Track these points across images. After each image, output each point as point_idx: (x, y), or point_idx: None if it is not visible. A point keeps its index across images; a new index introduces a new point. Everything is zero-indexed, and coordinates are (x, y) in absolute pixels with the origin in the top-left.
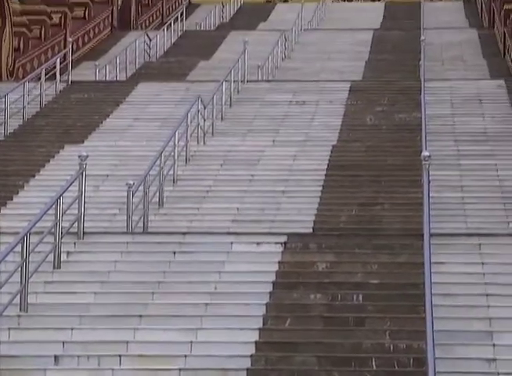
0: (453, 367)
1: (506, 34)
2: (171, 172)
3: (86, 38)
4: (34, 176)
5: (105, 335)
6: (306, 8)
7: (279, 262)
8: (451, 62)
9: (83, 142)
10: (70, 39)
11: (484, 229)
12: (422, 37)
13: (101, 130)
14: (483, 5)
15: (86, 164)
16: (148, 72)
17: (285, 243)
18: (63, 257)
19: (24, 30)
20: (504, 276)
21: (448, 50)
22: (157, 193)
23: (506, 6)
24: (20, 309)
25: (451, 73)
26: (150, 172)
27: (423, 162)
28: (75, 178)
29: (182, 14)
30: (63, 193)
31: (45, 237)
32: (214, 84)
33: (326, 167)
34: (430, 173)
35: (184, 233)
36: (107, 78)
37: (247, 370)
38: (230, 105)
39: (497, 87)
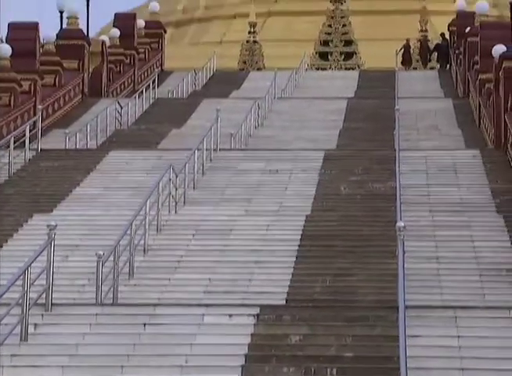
0: None
1: (481, 104)
2: (142, 242)
3: (56, 106)
4: (1, 246)
5: None
6: (280, 75)
7: (251, 335)
8: (426, 131)
9: (52, 211)
10: (39, 107)
11: (460, 301)
12: (397, 107)
13: (71, 199)
14: (458, 75)
15: (55, 234)
16: (119, 140)
17: (258, 315)
18: (31, 329)
19: None
20: (480, 350)
21: (423, 119)
22: (128, 264)
23: (481, 76)
24: None
25: (426, 142)
26: (121, 242)
27: (398, 233)
28: (43, 249)
29: (154, 81)
30: (31, 263)
31: (13, 309)
32: (187, 152)
33: (299, 237)
34: (406, 244)
35: (155, 305)
36: (78, 146)
37: None
38: (203, 173)
39: (472, 157)
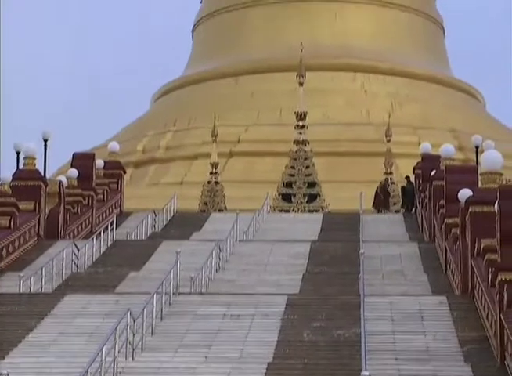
0: None
1: (448, 249)
2: None
3: (11, 248)
4: None
5: None
6: (242, 218)
7: None
8: (391, 276)
9: (4, 358)
10: None
11: None
12: (361, 251)
13: (23, 345)
14: (423, 219)
15: None
16: (75, 283)
17: None
18: None
19: None
20: None
21: (388, 264)
22: None
23: (447, 220)
24: None
25: (391, 288)
26: None
27: None
28: None
29: (112, 223)
30: None
31: None
32: (145, 296)
33: None
34: None
35: None
36: (32, 290)
37: None
38: (161, 318)
39: (439, 303)
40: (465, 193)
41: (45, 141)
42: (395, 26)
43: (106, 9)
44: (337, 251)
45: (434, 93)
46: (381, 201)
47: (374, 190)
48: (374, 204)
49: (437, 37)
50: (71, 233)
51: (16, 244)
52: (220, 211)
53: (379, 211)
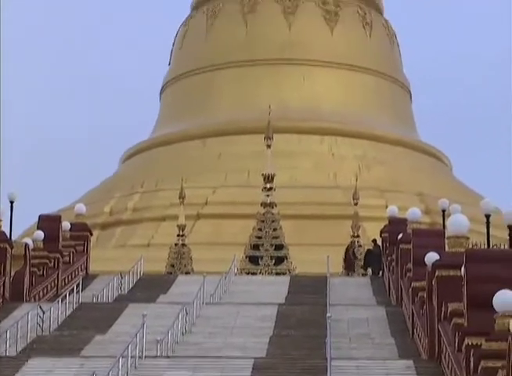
0: None
1: (415, 313)
2: None
3: None
4: None
5: None
6: (209, 280)
7: None
8: (358, 340)
9: None
10: None
11: None
12: (328, 314)
13: None
14: (391, 282)
15: None
16: (40, 346)
17: None
18: None
19: None
20: None
21: (355, 327)
22: None
23: (414, 284)
24: None
25: (358, 351)
26: None
27: None
28: None
29: (78, 285)
30: None
31: None
32: (111, 359)
33: None
34: None
35: None
36: None
37: None
38: None
39: (406, 368)
40: (432, 257)
41: (11, 203)
42: (362, 89)
43: (74, 72)
44: (304, 314)
45: (401, 156)
46: (352, 263)
47: (344, 253)
48: (346, 266)
49: (404, 101)
50: (37, 296)
51: None
52: (187, 273)
53: (348, 274)
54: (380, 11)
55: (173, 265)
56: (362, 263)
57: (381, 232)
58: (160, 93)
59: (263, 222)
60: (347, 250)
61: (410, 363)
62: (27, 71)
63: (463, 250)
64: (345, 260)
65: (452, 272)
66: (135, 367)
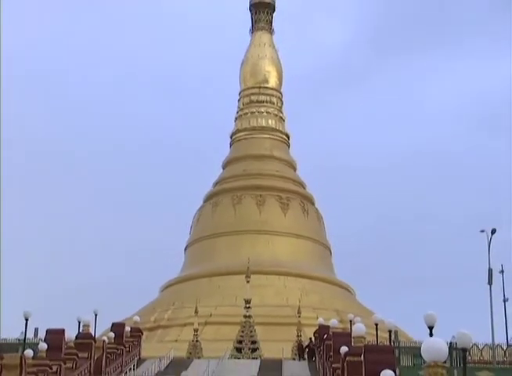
0: None
1: None
2: None
3: None
4: None
5: None
6: (212, 362)
7: None
8: None
9: None
10: None
11: None
12: None
13: None
14: (319, 364)
15: None
16: None
17: None
18: None
19: None
20: None
21: None
22: None
23: (333, 365)
24: None
25: None
26: None
27: None
28: None
29: (134, 365)
30: None
31: None
32: None
33: None
34: None
35: None
36: None
37: None
38: None
39: None
40: (344, 349)
41: (26, 320)
42: (303, 249)
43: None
44: None
45: (325, 288)
46: (302, 352)
47: (296, 346)
48: (298, 354)
49: (327, 256)
50: (111, 371)
51: None
52: (199, 358)
53: (305, 359)
54: (313, 203)
55: (190, 353)
56: (305, 353)
57: (314, 333)
58: (185, 250)
59: (244, 327)
60: (298, 345)
61: None
62: None
63: (362, 345)
64: (298, 351)
65: (356, 358)
66: None
